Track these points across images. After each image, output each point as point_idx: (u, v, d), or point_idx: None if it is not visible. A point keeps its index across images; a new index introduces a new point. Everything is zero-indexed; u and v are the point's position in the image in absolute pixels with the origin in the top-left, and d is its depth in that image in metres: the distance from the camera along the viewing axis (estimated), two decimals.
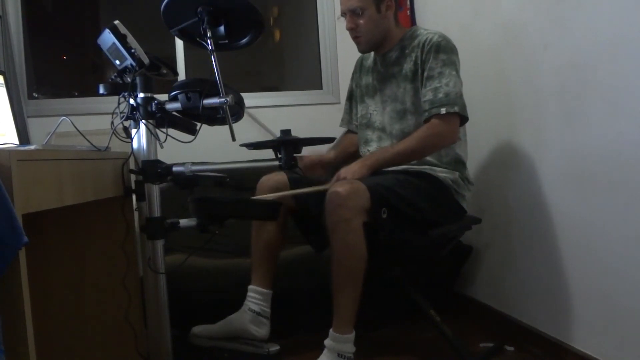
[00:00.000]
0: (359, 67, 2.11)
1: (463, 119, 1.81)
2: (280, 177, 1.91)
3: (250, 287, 1.87)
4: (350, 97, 2.15)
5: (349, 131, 2.17)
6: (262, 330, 1.84)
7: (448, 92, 1.76)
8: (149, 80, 1.57)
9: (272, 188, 1.89)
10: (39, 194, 1.15)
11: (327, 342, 1.63)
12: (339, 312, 1.63)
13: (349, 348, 1.63)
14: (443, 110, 1.75)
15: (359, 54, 2.05)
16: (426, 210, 1.77)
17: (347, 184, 1.64)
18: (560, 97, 1.76)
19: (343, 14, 1.88)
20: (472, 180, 1.97)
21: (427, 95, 1.80)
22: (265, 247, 1.89)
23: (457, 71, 1.83)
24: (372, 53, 2.01)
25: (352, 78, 2.14)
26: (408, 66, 1.87)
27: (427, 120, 1.80)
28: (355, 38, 1.91)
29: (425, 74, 1.82)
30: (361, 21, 1.85)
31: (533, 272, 1.96)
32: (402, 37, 1.92)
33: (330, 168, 1.97)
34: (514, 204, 2.05)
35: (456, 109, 1.76)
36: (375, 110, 1.98)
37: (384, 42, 1.92)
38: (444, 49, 1.81)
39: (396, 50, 1.92)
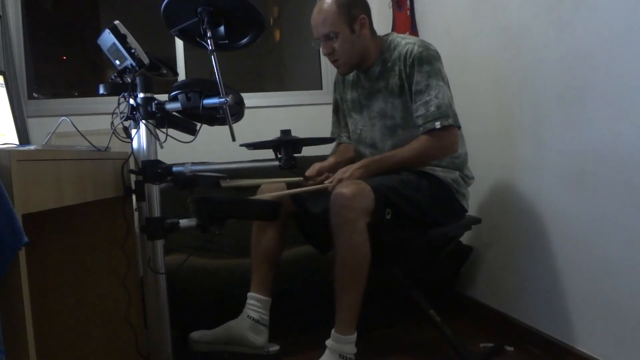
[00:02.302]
0: (342, 79, 2.07)
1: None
2: (280, 185, 1.90)
3: (250, 294, 1.87)
4: (337, 110, 2.11)
5: (339, 143, 2.13)
6: (260, 338, 1.84)
7: (439, 105, 1.76)
8: (149, 80, 1.57)
9: (271, 191, 1.89)
10: (39, 194, 1.15)
11: (328, 342, 1.63)
12: (341, 313, 1.63)
13: (351, 349, 1.63)
14: (438, 125, 1.75)
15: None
16: (428, 209, 1.77)
17: (352, 185, 1.64)
18: (560, 97, 1.76)
19: (317, 39, 1.86)
20: (473, 175, 1.96)
21: (419, 110, 1.79)
22: (265, 254, 1.89)
23: (444, 79, 1.82)
24: None
25: (335, 90, 2.10)
26: (393, 81, 1.85)
27: (422, 134, 1.79)
28: (334, 62, 1.88)
29: (412, 88, 1.80)
30: (336, 45, 1.82)
31: (533, 272, 1.96)
32: (381, 50, 1.89)
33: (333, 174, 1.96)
34: (513, 204, 2.05)
35: (450, 121, 1.76)
36: (364, 126, 1.96)
37: (363, 59, 1.88)
38: (426, 60, 1.79)
39: (378, 64, 1.89)
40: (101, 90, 1.53)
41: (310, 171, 1.88)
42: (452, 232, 1.94)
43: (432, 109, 1.76)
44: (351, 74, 2.01)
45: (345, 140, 2.10)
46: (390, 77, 1.86)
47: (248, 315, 1.84)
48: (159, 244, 1.59)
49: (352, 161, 1.96)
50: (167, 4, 1.50)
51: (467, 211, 1.93)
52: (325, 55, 1.88)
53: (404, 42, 1.85)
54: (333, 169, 1.89)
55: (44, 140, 1.93)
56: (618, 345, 1.59)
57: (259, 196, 1.87)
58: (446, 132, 1.77)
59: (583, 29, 1.64)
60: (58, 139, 2.07)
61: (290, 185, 1.89)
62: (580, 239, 1.72)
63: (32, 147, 1.17)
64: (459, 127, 1.83)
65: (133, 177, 1.60)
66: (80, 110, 2.56)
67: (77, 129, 1.51)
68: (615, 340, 1.60)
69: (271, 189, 1.89)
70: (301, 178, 1.87)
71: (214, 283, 2.04)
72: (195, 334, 1.87)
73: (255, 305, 1.85)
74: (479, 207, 2.24)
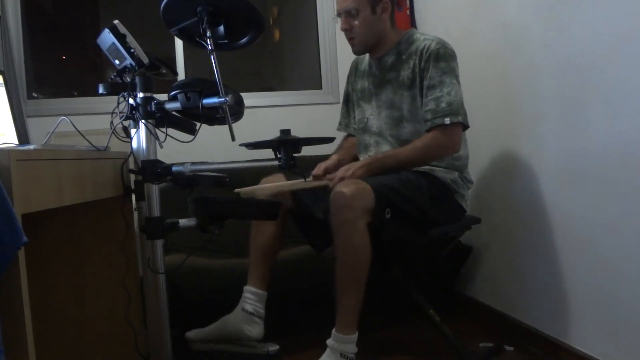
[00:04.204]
0: (354, 70, 2.09)
1: (464, 127, 1.82)
2: (280, 179, 1.90)
3: (246, 287, 1.87)
4: (347, 101, 2.13)
5: (348, 135, 2.15)
6: (255, 329, 1.83)
7: (451, 102, 1.76)
8: (149, 80, 1.57)
9: (272, 190, 1.89)
10: (39, 194, 1.15)
11: (329, 342, 1.63)
12: (342, 313, 1.63)
13: (352, 349, 1.63)
14: (447, 121, 1.75)
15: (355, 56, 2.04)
16: (428, 209, 1.77)
17: (352, 185, 1.64)
18: (559, 97, 1.76)
19: (338, 14, 1.87)
20: (472, 179, 1.96)
21: (429, 104, 1.79)
22: (262, 249, 1.89)
23: (457, 78, 1.82)
24: (367, 56, 2.00)
25: (348, 81, 2.13)
26: (405, 73, 1.85)
27: (429, 130, 1.79)
28: (349, 39, 1.89)
29: (425, 83, 1.81)
30: (356, 22, 1.83)
31: (533, 272, 1.96)
32: (398, 41, 1.90)
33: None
34: (513, 204, 2.05)
35: (459, 118, 1.76)
36: (372, 115, 1.96)
37: (378, 44, 1.90)
38: (443, 57, 1.80)
39: (392, 54, 1.90)
40: (101, 90, 1.53)
41: (316, 172, 1.88)
42: (452, 232, 1.94)
43: (443, 105, 1.76)
44: (364, 64, 2.03)
45: (353, 132, 2.11)
46: (402, 69, 1.86)
47: (242, 308, 1.84)
48: (159, 243, 1.59)
49: (356, 158, 1.96)
50: (167, 4, 1.50)
51: (466, 211, 1.93)
52: (342, 30, 1.88)
53: (423, 37, 1.86)
54: (338, 167, 1.89)
55: (43, 140, 1.93)
56: (618, 345, 1.59)
57: (260, 187, 1.86)
58: (453, 129, 1.78)
59: (583, 28, 1.64)
60: (57, 138, 2.07)
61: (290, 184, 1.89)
62: (580, 238, 1.72)
63: (31, 147, 1.17)
64: (467, 127, 1.83)
65: (132, 177, 1.60)
66: (80, 110, 2.55)
67: (76, 128, 1.51)
68: (615, 340, 1.60)
69: (270, 183, 1.89)
70: (302, 180, 1.87)
71: (214, 283, 2.04)
72: (191, 333, 1.87)
73: (251, 298, 1.85)
74: (478, 207, 2.24)
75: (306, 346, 1.91)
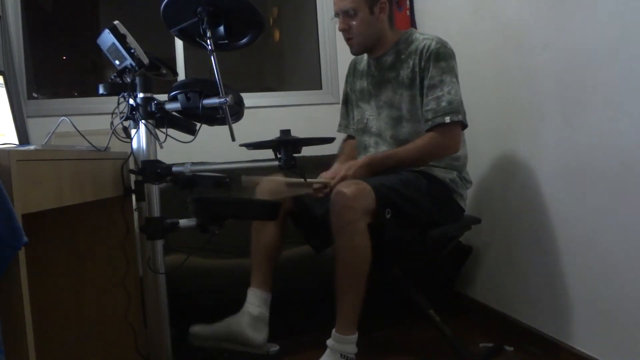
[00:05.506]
0: (352, 70, 2.09)
1: (463, 126, 1.82)
2: (279, 183, 1.89)
3: (250, 290, 1.87)
4: (346, 101, 2.13)
5: (348, 137, 2.15)
6: (259, 335, 1.83)
7: (451, 101, 1.77)
8: (149, 80, 1.57)
9: (270, 190, 1.88)
10: (39, 194, 1.15)
11: (329, 342, 1.63)
12: (342, 313, 1.63)
13: (352, 349, 1.63)
14: (447, 119, 1.76)
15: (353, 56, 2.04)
16: (428, 209, 1.77)
17: (352, 185, 1.64)
18: (559, 97, 1.76)
19: (336, 14, 1.87)
20: (471, 179, 1.97)
21: (429, 104, 1.80)
22: (264, 250, 1.88)
23: (457, 77, 1.83)
24: (365, 56, 2.00)
25: (346, 82, 2.12)
26: (405, 72, 1.86)
27: (430, 129, 1.80)
28: (348, 40, 1.89)
29: (425, 82, 1.81)
30: (354, 22, 1.83)
31: (533, 272, 1.96)
32: (397, 41, 1.90)
33: None
34: (513, 204, 2.05)
35: (460, 117, 1.77)
36: (371, 115, 1.97)
37: (377, 44, 1.90)
38: (443, 56, 1.80)
39: (391, 54, 1.90)
40: (101, 90, 1.53)
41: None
42: (452, 232, 1.94)
43: (444, 104, 1.77)
44: (363, 64, 2.03)
45: (353, 133, 2.11)
46: (402, 69, 1.86)
47: (248, 311, 1.83)
48: (159, 243, 1.59)
49: None
50: (167, 4, 1.50)
51: (464, 211, 1.93)
52: (340, 30, 1.88)
53: (422, 37, 1.87)
54: None
55: (43, 140, 1.93)
56: (618, 346, 1.59)
57: (265, 179, 1.86)
58: (453, 129, 1.79)
59: (583, 28, 1.64)
60: (58, 139, 2.07)
61: (291, 183, 1.88)
62: (580, 238, 1.72)
63: (32, 147, 1.17)
64: (466, 126, 1.83)
65: (133, 177, 1.60)
66: (80, 110, 2.55)
67: (76, 129, 1.51)
68: (615, 340, 1.60)
69: (270, 187, 1.89)
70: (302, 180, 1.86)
71: (214, 283, 2.04)
72: (195, 328, 1.87)
73: (255, 301, 1.85)
74: (478, 207, 2.24)
75: (306, 346, 1.91)
